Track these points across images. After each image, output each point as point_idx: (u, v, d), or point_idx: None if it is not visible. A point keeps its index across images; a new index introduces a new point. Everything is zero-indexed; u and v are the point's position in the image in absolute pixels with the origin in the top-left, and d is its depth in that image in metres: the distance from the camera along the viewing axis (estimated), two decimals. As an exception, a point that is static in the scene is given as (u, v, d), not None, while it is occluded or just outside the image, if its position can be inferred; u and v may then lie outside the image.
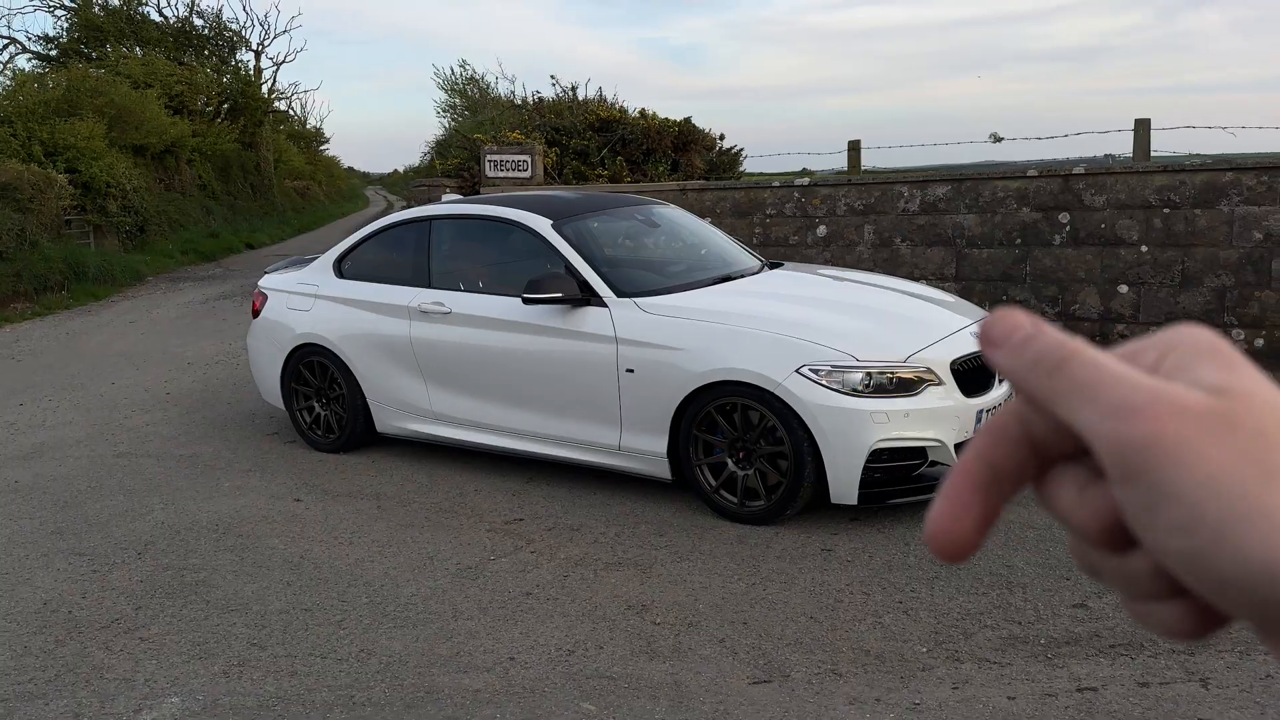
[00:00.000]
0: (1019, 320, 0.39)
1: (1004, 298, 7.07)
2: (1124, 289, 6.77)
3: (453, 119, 20.36)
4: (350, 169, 75.14)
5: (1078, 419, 0.36)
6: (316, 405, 6.04)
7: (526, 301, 4.89)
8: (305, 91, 50.90)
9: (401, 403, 5.63)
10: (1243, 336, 6.43)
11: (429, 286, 5.55)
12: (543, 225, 5.23)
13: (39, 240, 13.74)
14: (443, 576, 4.15)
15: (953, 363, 4.40)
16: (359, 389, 5.77)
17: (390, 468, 5.66)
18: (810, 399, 4.22)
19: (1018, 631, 3.46)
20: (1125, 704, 2.99)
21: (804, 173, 8.69)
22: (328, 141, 56.38)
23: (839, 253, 7.81)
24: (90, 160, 17.40)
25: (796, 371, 4.26)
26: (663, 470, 4.75)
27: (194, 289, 14.79)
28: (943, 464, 4.35)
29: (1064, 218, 6.91)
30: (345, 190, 60.44)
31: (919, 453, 4.29)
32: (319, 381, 6.00)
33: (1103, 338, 6.89)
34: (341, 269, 6.02)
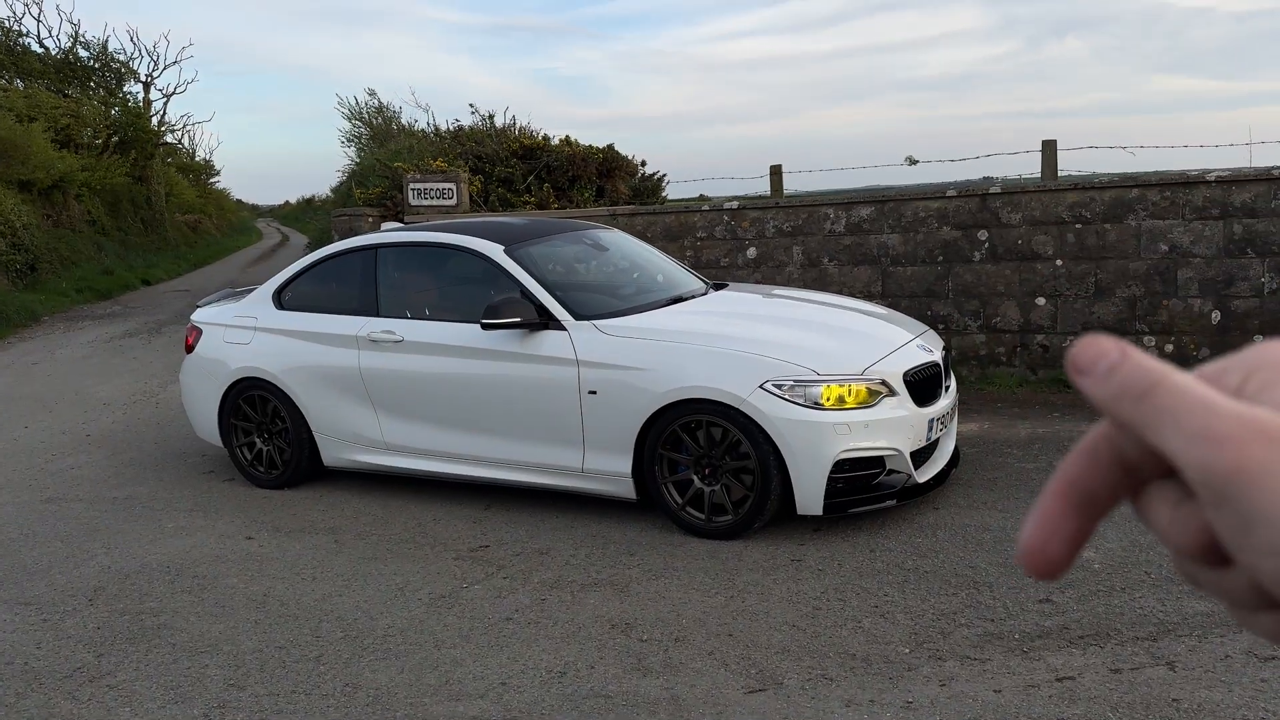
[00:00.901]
0: (1105, 347, 0.39)
1: (929, 313, 7.35)
2: (1042, 301, 7.11)
3: (358, 148, 20.08)
4: (240, 201, 73.17)
5: (1166, 445, 0.36)
6: (258, 441, 5.90)
7: (485, 327, 4.89)
8: (197, 124, 49.17)
9: (351, 434, 5.54)
10: (1154, 343, 6.82)
11: (377, 315, 5.49)
12: (495, 251, 5.24)
13: (-75, 281, 13.02)
14: (417, 606, 4.11)
15: (905, 374, 4.57)
16: (304, 422, 5.66)
17: (340, 501, 5.56)
18: (775, 413, 4.33)
19: (992, 628, 3.60)
20: (1103, 689, 3.15)
21: (730, 198, 8.87)
22: (218, 174, 54.90)
23: (769, 273, 8.00)
24: (-25, 197, 16.58)
25: (760, 387, 4.37)
26: (627, 490, 4.79)
27: (95, 327, 14.20)
28: (899, 471, 4.50)
29: (983, 235, 7.23)
30: (237, 223, 58.79)
31: (878, 462, 4.44)
32: (260, 416, 5.86)
33: (1024, 348, 7.22)
34: (282, 300, 5.91)
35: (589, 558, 4.52)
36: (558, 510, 5.14)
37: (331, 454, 5.64)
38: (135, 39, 48.53)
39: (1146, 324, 6.83)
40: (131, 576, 4.61)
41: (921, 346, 4.87)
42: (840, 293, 7.40)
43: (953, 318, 7.32)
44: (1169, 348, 6.78)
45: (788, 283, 7.83)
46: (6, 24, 28.17)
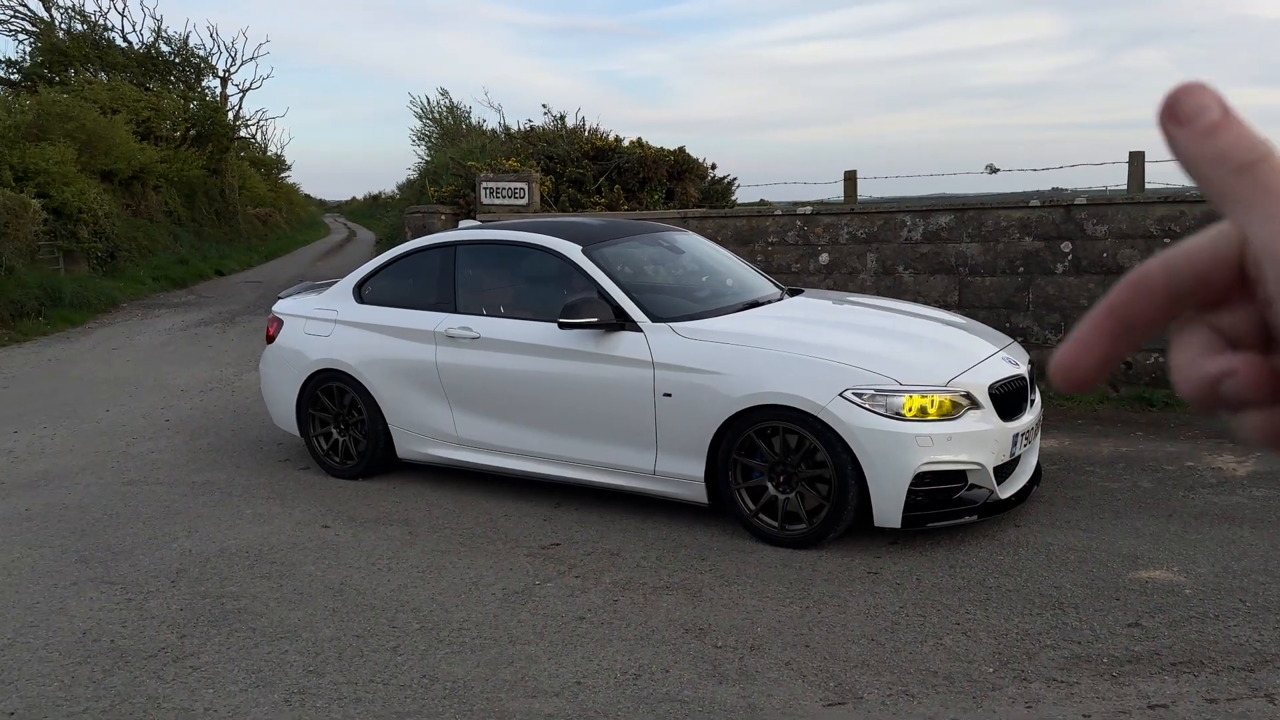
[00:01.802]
0: (1207, 100, 0.36)
1: (1007, 325, 7.20)
2: (1126, 316, 6.93)
3: (428, 147, 20.33)
4: (307, 196, 74.59)
5: (1257, 229, 0.35)
6: (334, 431, 5.98)
7: (563, 326, 4.90)
8: (271, 119, 50.41)
9: (425, 428, 5.59)
10: (1243, 363, 6.60)
11: (455, 311, 5.54)
12: (573, 251, 5.25)
13: (15, 266, 13.49)
14: (491, 601, 4.13)
15: (990, 387, 4.48)
16: (380, 415, 5.73)
17: (414, 494, 5.61)
18: (854, 423, 4.27)
19: (1079, 651, 3.51)
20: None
21: (802, 203, 8.80)
22: (289, 169, 56.04)
23: (841, 280, 7.92)
24: (61, 185, 17.13)
25: (840, 395, 4.31)
26: (699, 494, 4.77)
27: (171, 315, 14.57)
28: (981, 486, 4.41)
29: (1066, 247, 7.08)
30: (305, 218, 59.90)
31: (960, 476, 4.36)
32: (337, 407, 5.95)
33: (1105, 364, 7.04)
34: (362, 294, 5.99)
35: (660, 560, 4.50)
36: (627, 511, 5.13)
37: (406, 447, 5.70)
38: (215, 35, 49.75)
39: (1235, 343, 6.62)
40: (212, 560, 4.70)
41: (1007, 359, 4.77)
42: (915, 302, 7.29)
43: (1032, 330, 7.17)
44: (1259, 368, 6.56)
45: (860, 290, 7.74)
46: (93, 19, 29.10)
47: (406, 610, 4.07)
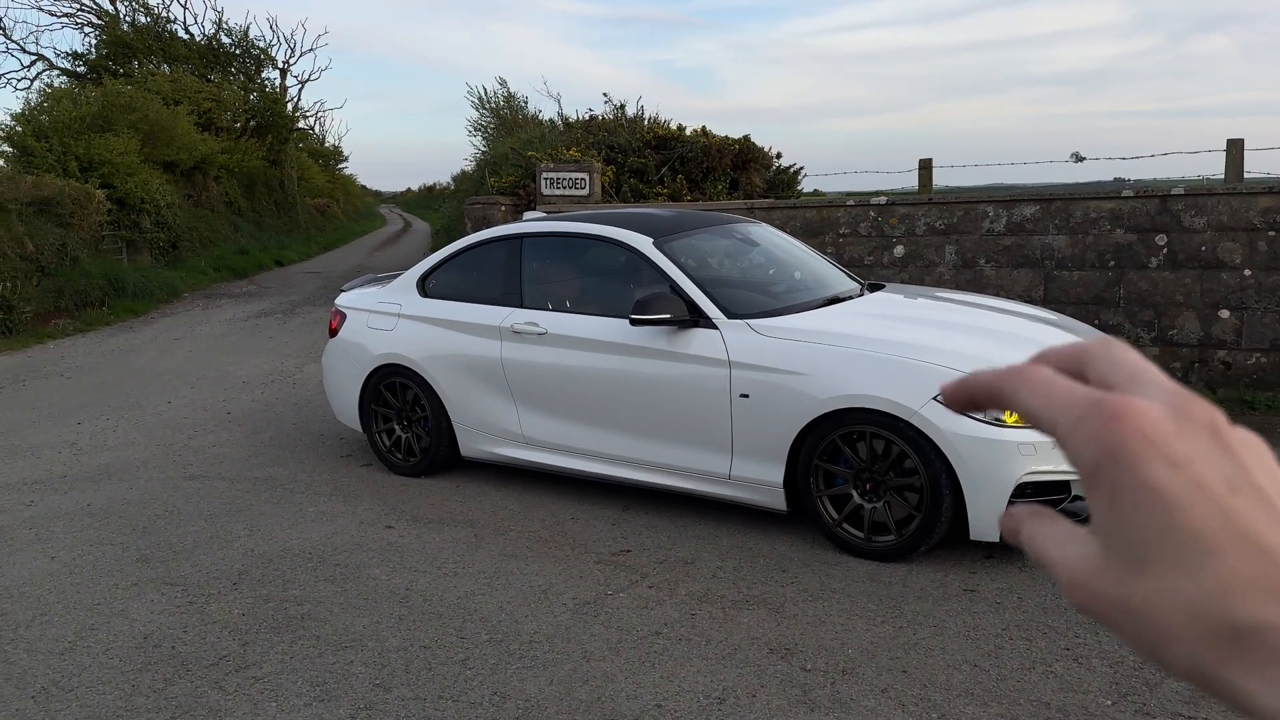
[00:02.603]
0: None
1: (1096, 321, 6.84)
2: (1225, 314, 6.54)
3: (485, 138, 20.23)
4: (363, 187, 75.30)
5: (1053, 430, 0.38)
6: (397, 428, 5.84)
7: (634, 323, 4.68)
8: (330, 110, 50.96)
9: (490, 426, 5.42)
10: (1355, 364, 6.18)
11: (521, 306, 5.35)
12: (644, 244, 5.03)
13: (79, 256, 13.62)
14: (561, 612, 3.93)
15: (1096, 391, 4.16)
16: (444, 411, 5.56)
17: (478, 493, 5.44)
18: (950, 429, 4.00)
19: (1205, 683, 3.21)
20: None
21: (876, 193, 8.48)
22: (346, 160, 56.61)
23: (917, 274, 7.60)
24: (125, 176, 17.32)
25: (934, 399, 4.04)
26: (777, 501, 4.52)
27: (232, 306, 14.64)
28: (1084, 498, 4.10)
29: (1161, 239, 6.69)
30: (361, 208, 60.46)
31: (1064, 487, 4.06)
32: (400, 403, 5.80)
33: (1203, 363, 6.66)
34: (425, 288, 5.83)
35: (737, 571, 4.27)
36: (699, 517, 4.90)
37: (470, 445, 5.53)
38: (274, 26, 50.52)
39: (1347, 343, 6.20)
40: (274, 561, 4.57)
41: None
42: (997, 296, 6.96)
43: (1123, 328, 6.79)
44: (1373, 370, 6.14)
45: (938, 284, 7.41)
46: (156, 11, 29.47)
47: (475, 619, 3.89)
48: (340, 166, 54.32)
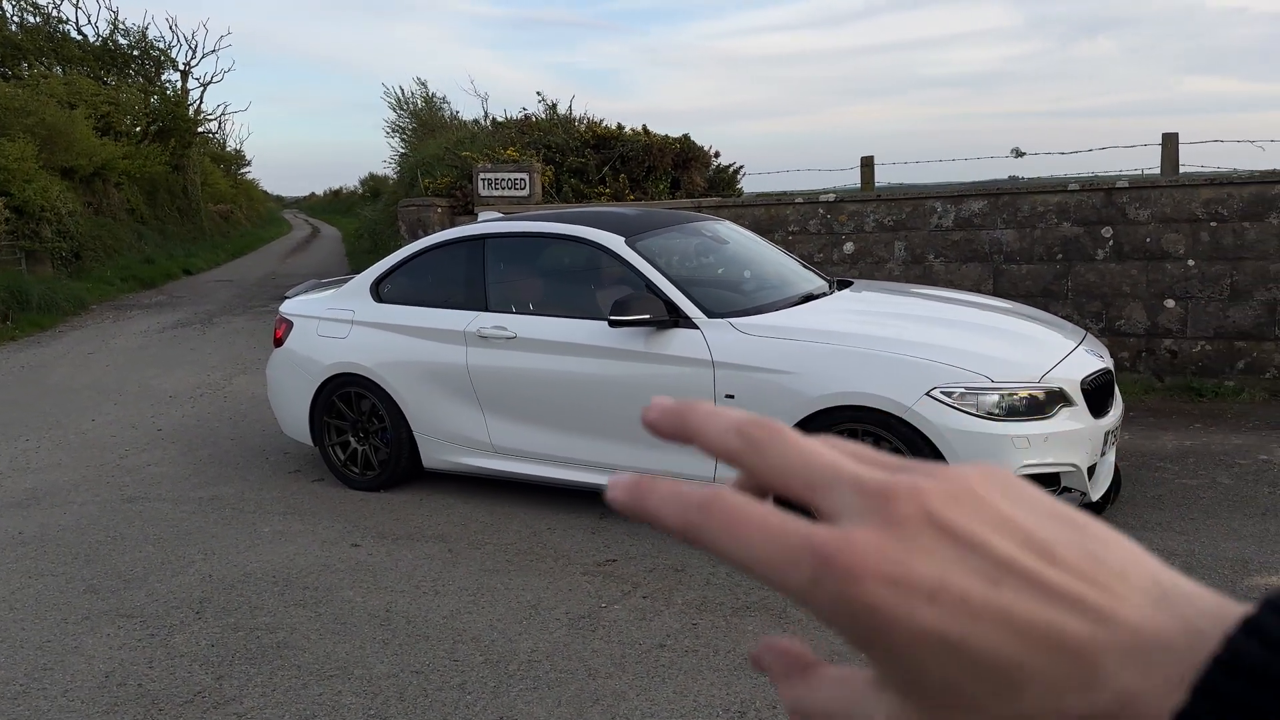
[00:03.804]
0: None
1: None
2: (1171, 303, 6.69)
3: (403, 139, 19.78)
4: (265, 192, 73.35)
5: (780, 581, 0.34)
6: (352, 440, 5.57)
7: (614, 324, 4.53)
8: (234, 113, 49.39)
9: (455, 435, 5.20)
10: (1295, 350, 6.39)
11: (486, 310, 5.15)
12: (615, 242, 4.89)
13: (-23, 267, 12.83)
14: (556, 628, 3.76)
15: (1083, 381, 4.18)
16: (404, 421, 5.33)
17: (444, 506, 5.22)
18: (944, 424, 3.95)
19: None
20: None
21: (823, 191, 8.48)
22: (249, 164, 55.10)
23: (867, 270, 7.61)
24: (22, 183, 16.42)
25: (927, 394, 3.99)
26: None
27: (145, 317, 13.98)
28: (1074, 489, 4.12)
29: (1107, 232, 6.82)
30: (265, 214, 58.84)
31: (1053, 479, 4.05)
32: (355, 414, 5.54)
33: (1150, 353, 6.80)
34: (380, 293, 5.57)
35: (730, 577, 4.16)
36: (682, 521, 4.77)
37: (433, 456, 5.31)
38: (174, 27, 48.66)
39: (1287, 329, 6.40)
40: (236, 586, 4.29)
41: (1091, 352, 4.48)
42: (961, 291, 7.01)
43: (1072, 319, 6.89)
44: (1312, 355, 6.35)
45: (888, 280, 7.43)
46: (46, 9, 28.09)
47: (465, 640, 3.70)
48: (243, 171, 52.84)
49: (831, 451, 0.35)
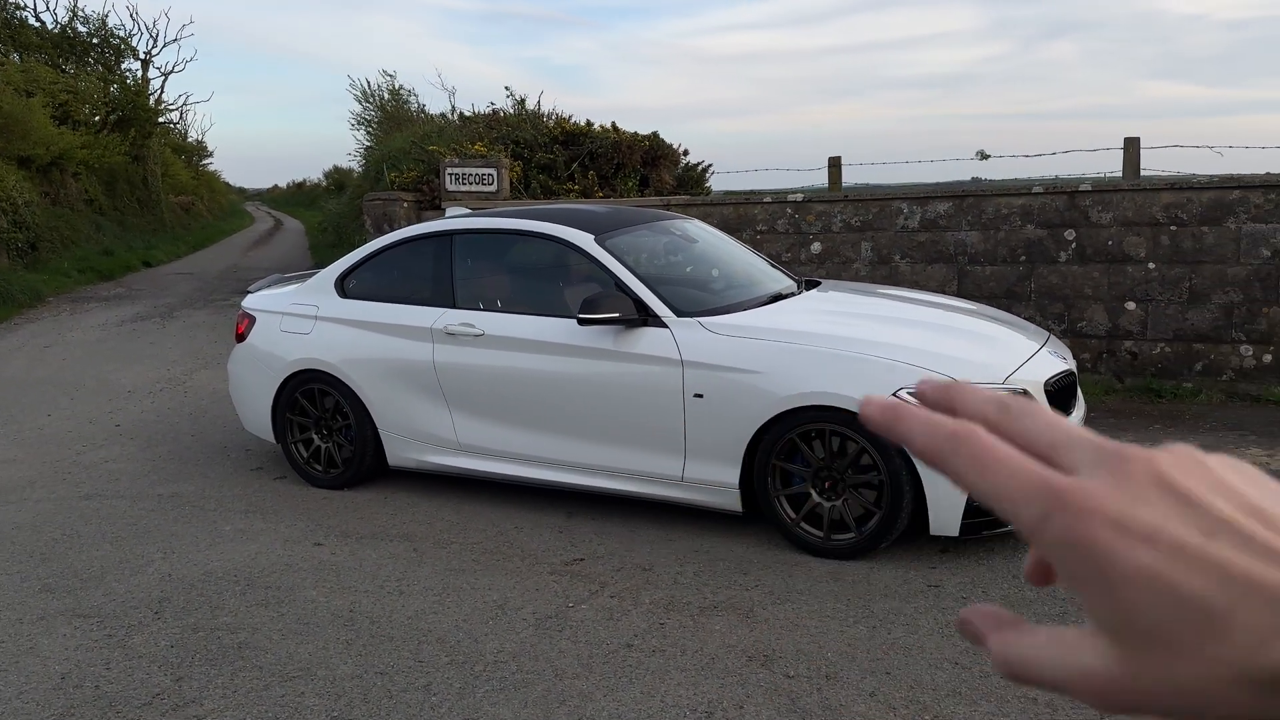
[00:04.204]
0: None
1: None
2: (1131, 305, 6.78)
3: (369, 132, 19.60)
4: (227, 184, 72.34)
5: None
6: (315, 437, 5.51)
7: (583, 322, 4.51)
8: (196, 103, 48.64)
9: (421, 433, 5.16)
10: (1251, 353, 6.50)
11: (454, 306, 5.11)
12: (586, 240, 4.87)
13: (-71, 257, 12.54)
14: (523, 628, 3.74)
15: (1046, 383, 4.22)
16: (369, 419, 5.27)
17: (409, 505, 5.18)
18: (910, 424, 3.97)
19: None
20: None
21: (790, 191, 8.51)
22: (211, 156, 54.38)
23: (835, 270, 7.65)
24: (-24, 171, 16.06)
25: (894, 395, 4.00)
26: (733, 502, 4.43)
27: (103, 310, 13.73)
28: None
29: (1070, 234, 6.90)
30: (226, 206, 58.07)
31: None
32: (319, 411, 5.47)
33: (1111, 354, 6.89)
34: (345, 288, 5.51)
35: (699, 576, 4.16)
36: (649, 521, 4.77)
37: (398, 454, 5.26)
38: (135, 15, 47.76)
39: (1244, 332, 6.51)
40: (197, 585, 4.22)
41: (1054, 353, 4.53)
42: (928, 292, 7.06)
43: (1035, 320, 6.97)
44: (1267, 358, 6.47)
45: (855, 280, 7.47)
46: (2, -5, 27.47)
47: (430, 640, 3.66)
48: (205, 162, 52.11)
49: (1073, 424, 0.39)
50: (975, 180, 9.67)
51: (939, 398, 0.43)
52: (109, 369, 9.26)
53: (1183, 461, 0.37)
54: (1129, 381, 6.82)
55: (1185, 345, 6.67)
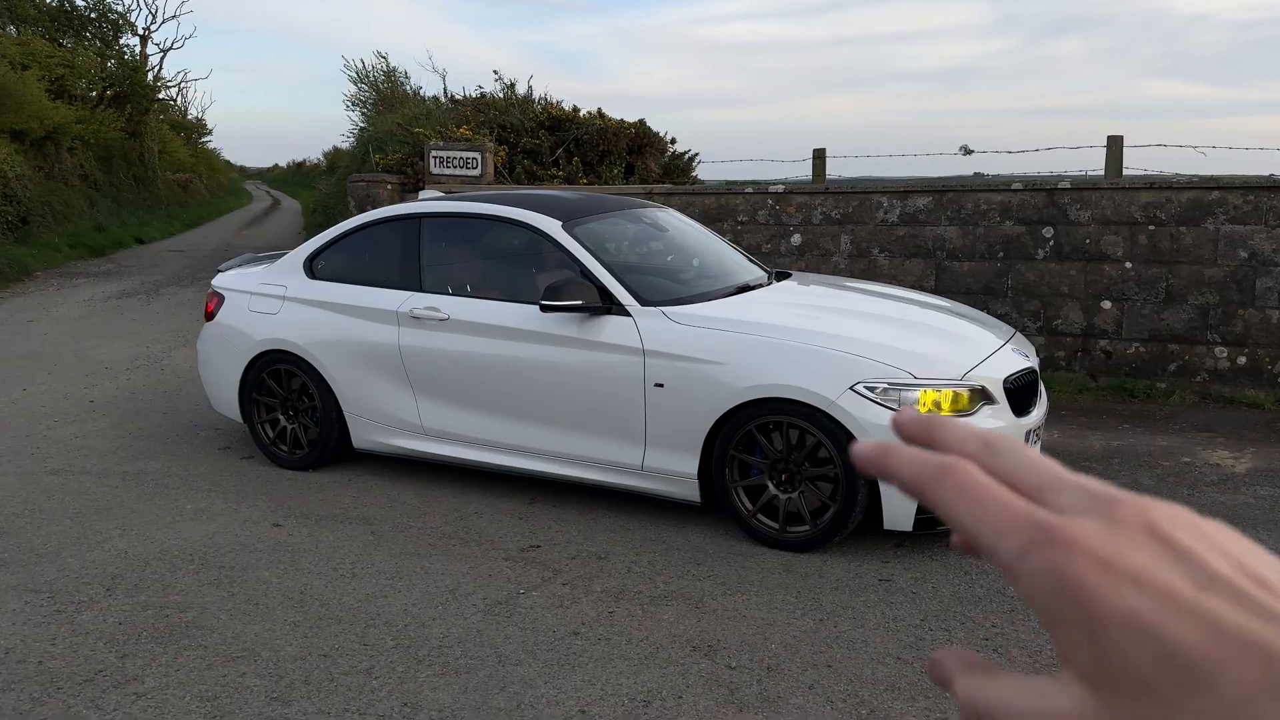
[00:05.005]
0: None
1: (985, 311, 6.99)
2: (1107, 304, 6.77)
3: (363, 113, 19.51)
4: (228, 162, 72.13)
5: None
6: (282, 418, 5.50)
7: (545, 309, 4.50)
8: (194, 80, 48.53)
9: (385, 416, 5.15)
10: (1225, 354, 6.49)
11: (420, 290, 5.09)
12: (552, 227, 4.85)
13: (-85, 229, 12.49)
14: (472, 614, 3.74)
15: (1005, 380, 4.22)
16: (335, 401, 5.26)
17: (372, 487, 5.17)
18: (866, 419, 3.97)
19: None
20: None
21: (773, 182, 8.48)
22: (210, 133, 54.21)
23: (814, 262, 7.63)
24: (-33, 144, 15.99)
25: (851, 389, 4.01)
26: (691, 492, 4.43)
27: (90, 286, 13.71)
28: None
29: (1048, 232, 6.88)
30: (226, 184, 57.91)
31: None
32: (285, 392, 5.46)
33: (1085, 353, 6.89)
34: (314, 269, 5.49)
35: (653, 565, 4.16)
36: (609, 509, 4.77)
37: (363, 436, 5.25)
38: (133, -10, 47.30)
39: (1219, 334, 6.50)
40: (151, 564, 4.22)
41: (1016, 351, 4.52)
42: (897, 286, 7.04)
43: (1011, 317, 6.96)
44: (1242, 360, 6.46)
45: (833, 273, 7.46)
46: (0, -33, 27.34)
47: (378, 624, 3.67)
48: (204, 140, 51.97)
49: (1060, 465, 0.38)
50: (978, 176, 9.64)
51: (918, 429, 0.41)
52: (90, 345, 9.25)
53: (1176, 516, 0.35)
54: (1103, 380, 6.82)
55: (1160, 345, 6.67)
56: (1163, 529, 0.34)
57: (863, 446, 0.41)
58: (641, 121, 10.43)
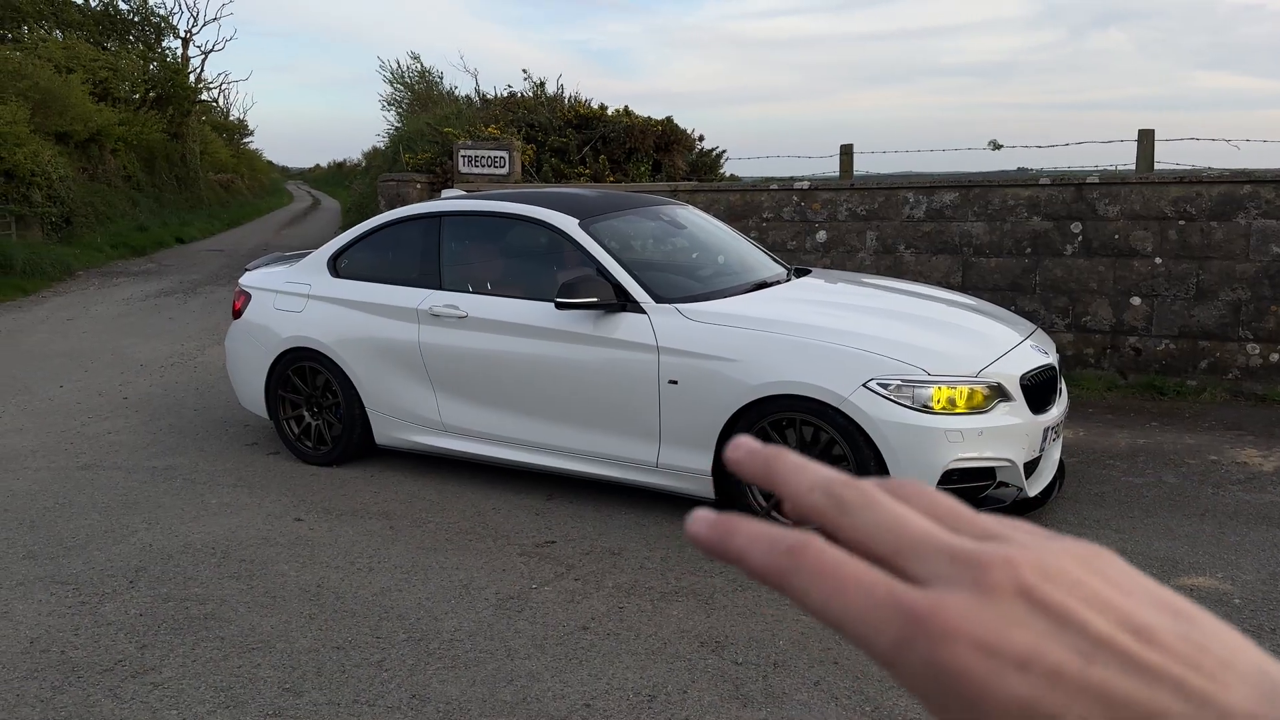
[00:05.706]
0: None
1: (1012, 307, 6.92)
2: (1137, 301, 6.68)
3: (399, 113, 19.70)
4: (269, 163, 73.07)
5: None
6: (306, 414, 5.58)
7: (560, 306, 4.53)
8: (235, 82, 49.22)
9: (406, 413, 5.21)
10: (1258, 351, 6.37)
11: (440, 288, 5.15)
12: (570, 225, 4.88)
13: (-38, 230, 12.82)
14: (484, 608, 3.78)
15: (1022, 377, 4.18)
16: (357, 397, 5.33)
17: (392, 483, 5.24)
18: (879, 415, 3.95)
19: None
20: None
21: (799, 178, 8.45)
22: (252, 134, 54.94)
23: (840, 259, 7.59)
24: (14, 146, 16.38)
25: (864, 386, 3.99)
26: (705, 489, 4.44)
27: (130, 285, 13.98)
28: (1010, 484, 4.12)
29: (1076, 227, 6.79)
30: (267, 184, 58.67)
31: (989, 473, 4.06)
32: (310, 389, 5.54)
33: (1114, 350, 6.79)
34: (337, 267, 5.57)
35: (665, 562, 4.17)
36: (625, 506, 4.79)
37: (385, 433, 5.31)
38: (175, -6, 48.11)
39: (1251, 330, 6.38)
40: (174, 557, 4.31)
41: (1035, 347, 4.48)
42: (922, 284, 6.99)
43: (1039, 314, 6.89)
44: (1274, 357, 6.34)
45: (859, 270, 7.42)
46: (48, -27, 27.91)
47: (391, 617, 3.71)
48: (245, 141, 52.68)
49: (920, 518, 0.35)
50: (1021, 171, 9.53)
51: (757, 467, 0.38)
52: (126, 343, 9.43)
53: (1050, 569, 0.33)
54: (1132, 378, 6.72)
55: (1190, 342, 6.56)
56: (1036, 592, 0.32)
57: (699, 524, 0.36)
58: (668, 119, 10.43)
